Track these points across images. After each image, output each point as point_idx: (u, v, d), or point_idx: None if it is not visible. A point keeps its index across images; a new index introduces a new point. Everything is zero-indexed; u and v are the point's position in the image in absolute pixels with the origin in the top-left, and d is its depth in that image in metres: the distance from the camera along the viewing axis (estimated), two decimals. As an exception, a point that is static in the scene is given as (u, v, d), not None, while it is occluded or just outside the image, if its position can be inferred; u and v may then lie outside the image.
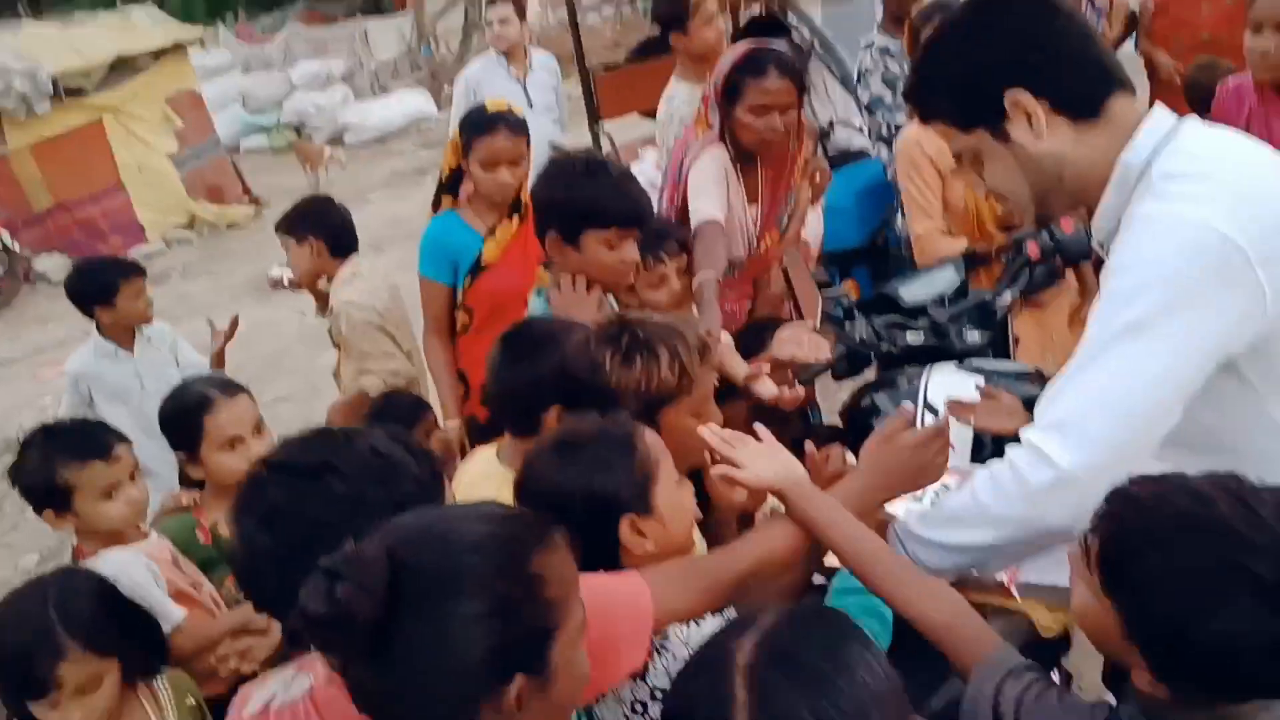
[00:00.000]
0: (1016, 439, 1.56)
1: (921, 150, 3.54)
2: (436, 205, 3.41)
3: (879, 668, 1.08)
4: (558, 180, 2.45)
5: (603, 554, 1.56)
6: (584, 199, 2.38)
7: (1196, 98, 4.05)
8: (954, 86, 1.62)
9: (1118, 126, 1.57)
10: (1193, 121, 1.58)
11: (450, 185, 3.36)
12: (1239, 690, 1.18)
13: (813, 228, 3.79)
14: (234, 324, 3.93)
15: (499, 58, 5.55)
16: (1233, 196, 1.45)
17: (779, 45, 3.19)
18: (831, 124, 5.21)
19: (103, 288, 3.72)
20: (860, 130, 4.95)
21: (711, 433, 1.72)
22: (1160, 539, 1.19)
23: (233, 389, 2.62)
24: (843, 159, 5.11)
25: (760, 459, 1.67)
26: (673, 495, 1.66)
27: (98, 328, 3.81)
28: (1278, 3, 3.31)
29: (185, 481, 2.59)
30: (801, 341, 2.52)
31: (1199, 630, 1.14)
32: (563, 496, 1.57)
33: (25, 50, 11.37)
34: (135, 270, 3.83)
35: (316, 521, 1.22)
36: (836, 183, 4.62)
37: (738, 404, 2.37)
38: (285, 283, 4.00)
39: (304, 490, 1.25)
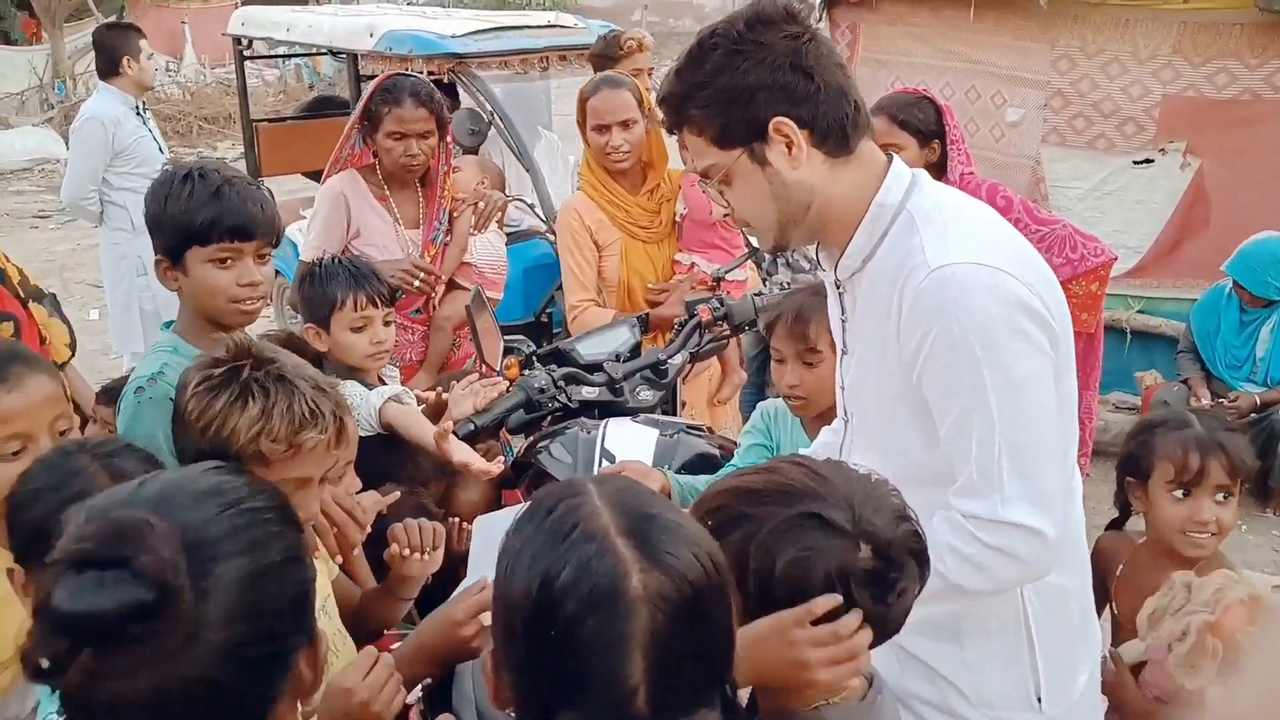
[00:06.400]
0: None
1: (581, 222, 3.47)
2: None
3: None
4: (154, 196, 2.09)
5: None
6: (179, 213, 2.04)
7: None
8: (720, 102, 1.55)
9: (865, 166, 1.60)
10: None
11: None
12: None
13: (485, 255, 3.78)
14: None
15: (124, 95, 5.33)
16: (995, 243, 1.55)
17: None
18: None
19: None
20: (531, 208, 4.92)
21: None
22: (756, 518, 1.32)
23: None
24: (511, 238, 5.07)
25: None
26: None
27: None
28: None
29: None
30: (477, 392, 2.50)
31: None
32: None
33: None
34: None
35: None
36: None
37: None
38: None
39: None
